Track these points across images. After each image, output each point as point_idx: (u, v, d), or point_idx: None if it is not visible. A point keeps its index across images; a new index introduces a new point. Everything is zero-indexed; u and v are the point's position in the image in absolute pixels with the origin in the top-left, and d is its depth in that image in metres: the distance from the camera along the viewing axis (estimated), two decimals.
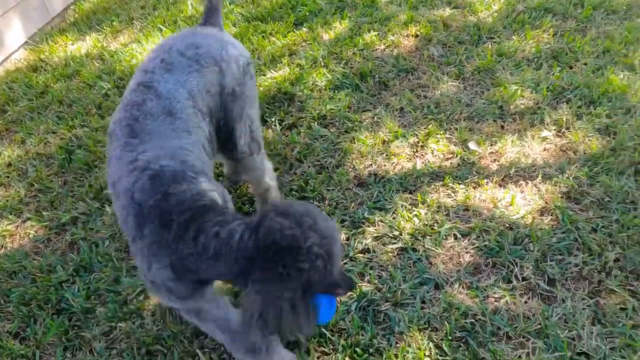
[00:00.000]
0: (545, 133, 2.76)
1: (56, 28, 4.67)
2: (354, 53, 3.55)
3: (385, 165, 2.71)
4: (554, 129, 2.78)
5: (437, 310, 2.05)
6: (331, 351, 1.98)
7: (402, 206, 2.47)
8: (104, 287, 2.31)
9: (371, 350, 1.95)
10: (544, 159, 2.63)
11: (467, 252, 2.25)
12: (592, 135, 2.70)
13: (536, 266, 2.16)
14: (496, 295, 2.08)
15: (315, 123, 3.02)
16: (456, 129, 2.85)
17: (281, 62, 3.57)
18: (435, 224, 2.38)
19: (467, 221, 2.38)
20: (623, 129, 2.67)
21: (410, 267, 2.23)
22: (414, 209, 2.46)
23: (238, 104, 2.03)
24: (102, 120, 3.30)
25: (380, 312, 2.07)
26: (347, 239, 2.36)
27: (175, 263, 1.50)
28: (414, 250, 2.28)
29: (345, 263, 2.26)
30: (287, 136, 2.96)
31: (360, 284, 2.16)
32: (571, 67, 3.18)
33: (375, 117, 3.01)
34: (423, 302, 2.09)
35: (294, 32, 3.88)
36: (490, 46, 3.44)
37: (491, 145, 2.75)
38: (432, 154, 2.75)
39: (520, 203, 2.42)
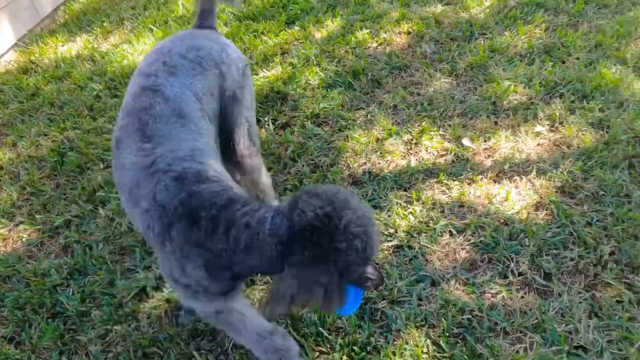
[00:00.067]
0: (538, 128, 2.76)
1: (46, 29, 4.64)
2: (346, 51, 3.54)
3: (379, 163, 2.71)
4: (548, 124, 2.78)
5: (434, 307, 2.04)
6: (329, 350, 1.97)
7: (397, 204, 2.46)
8: (98, 290, 2.29)
9: (369, 348, 1.95)
10: (538, 154, 2.63)
11: (462, 249, 2.25)
12: (585, 130, 2.70)
13: (532, 261, 2.16)
14: (493, 291, 2.08)
15: (309, 122, 3.01)
16: (450, 126, 2.85)
17: (273, 61, 3.56)
18: (431, 221, 2.37)
19: (463, 217, 2.38)
20: (616, 122, 2.67)
21: (406, 264, 2.22)
22: (408, 206, 2.45)
23: (237, 107, 2.02)
24: (94, 122, 3.28)
25: (377, 310, 2.07)
26: None
27: (210, 261, 1.47)
28: (410, 247, 2.28)
29: None
30: (280, 135, 2.95)
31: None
32: (564, 62, 3.19)
33: (369, 115, 3.01)
34: (420, 299, 2.09)
35: (285, 31, 3.86)
36: (482, 42, 3.44)
37: (485, 141, 2.75)
38: (426, 151, 2.75)
39: (515, 198, 2.43)
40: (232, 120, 2.01)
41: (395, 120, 2.96)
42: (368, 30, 3.70)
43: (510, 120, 2.84)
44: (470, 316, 2.00)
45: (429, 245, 2.27)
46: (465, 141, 2.75)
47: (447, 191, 2.51)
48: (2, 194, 2.90)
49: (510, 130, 2.77)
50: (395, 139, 2.82)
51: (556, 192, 2.42)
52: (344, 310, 1.55)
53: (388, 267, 2.20)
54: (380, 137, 2.85)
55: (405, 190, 2.55)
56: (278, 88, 3.27)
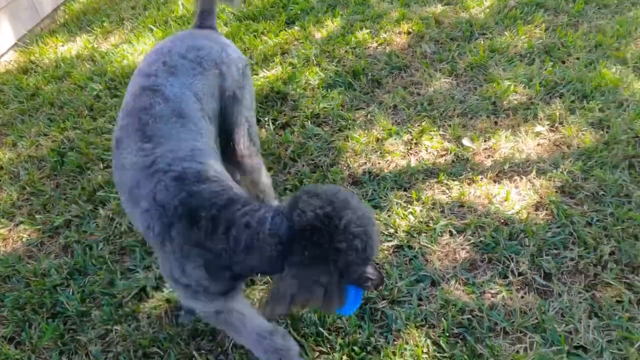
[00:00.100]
0: (538, 128, 2.76)
1: (46, 29, 4.64)
2: (346, 51, 3.54)
3: (379, 163, 2.71)
4: (548, 124, 2.78)
5: (434, 307, 2.04)
6: (329, 350, 1.97)
7: (397, 204, 2.46)
8: (98, 290, 2.29)
9: (369, 348, 1.95)
10: (538, 154, 2.63)
11: (462, 249, 2.25)
12: (585, 130, 2.70)
13: (532, 261, 2.16)
14: (493, 291, 2.08)
15: (309, 122, 3.01)
16: (450, 126, 2.85)
17: (273, 61, 3.56)
18: (431, 221, 2.37)
19: (462, 217, 2.38)
20: (616, 122, 2.67)
21: (406, 264, 2.22)
22: (408, 206, 2.45)
23: (238, 108, 2.02)
24: (94, 122, 3.28)
25: (377, 310, 2.07)
26: None
27: (210, 261, 1.47)
28: (410, 247, 2.28)
29: None
30: (280, 135, 2.95)
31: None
32: (564, 62, 3.19)
33: (369, 115, 3.01)
34: (420, 299, 2.09)
35: (285, 31, 3.86)
36: (482, 42, 3.44)
37: (485, 141, 2.75)
38: (426, 151, 2.75)
39: (515, 198, 2.43)
40: (232, 120, 2.00)
41: (395, 120, 2.96)
42: (368, 30, 3.70)
43: (510, 120, 2.84)
44: (470, 316, 2.00)
45: (429, 245, 2.27)
46: (465, 141, 2.75)
47: (447, 191, 2.51)
48: (2, 194, 2.90)
49: (510, 130, 2.77)
50: (395, 139, 2.82)
51: (556, 192, 2.42)
52: (344, 310, 1.55)
53: (388, 267, 2.20)
54: (380, 137, 2.85)
55: (405, 190, 2.55)
56: (278, 88, 3.27)
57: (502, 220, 2.34)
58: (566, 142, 2.67)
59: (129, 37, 4.15)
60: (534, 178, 2.50)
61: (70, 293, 2.30)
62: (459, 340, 1.94)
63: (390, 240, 2.31)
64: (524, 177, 2.51)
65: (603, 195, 2.37)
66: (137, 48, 3.96)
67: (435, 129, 2.84)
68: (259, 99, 3.21)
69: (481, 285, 2.10)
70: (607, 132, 2.67)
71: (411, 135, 2.83)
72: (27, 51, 4.26)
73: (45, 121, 3.38)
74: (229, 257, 1.45)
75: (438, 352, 1.91)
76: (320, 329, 2.01)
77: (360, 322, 2.02)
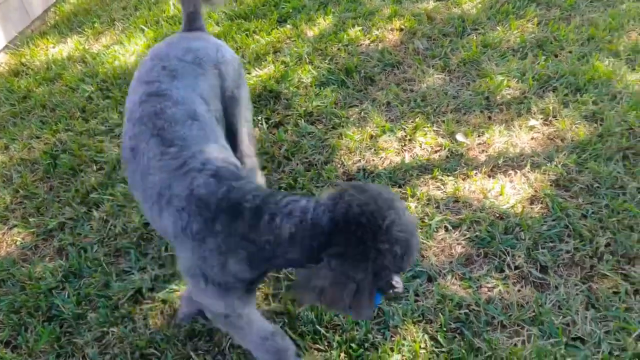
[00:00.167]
0: (532, 122, 2.76)
1: (37, 31, 4.61)
2: (338, 49, 3.53)
3: (373, 160, 2.71)
4: (541, 118, 2.78)
5: (430, 302, 2.04)
6: (326, 348, 1.96)
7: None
8: (94, 292, 2.28)
9: (366, 345, 1.94)
10: (532, 148, 2.63)
11: (458, 244, 2.25)
12: (579, 123, 2.71)
13: (528, 254, 2.16)
14: (489, 285, 2.08)
15: (302, 120, 3.00)
16: (443, 122, 2.84)
17: (266, 60, 3.55)
18: (426, 217, 2.37)
19: (458, 213, 2.38)
20: (610, 115, 2.68)
21: None
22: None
23: (238, 107, 2.03)
24: (86, 123, 3.26)
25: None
26: None
27: (253, 254, 1.45)
28: None
29: None
30: (274, 134, 2.94)
31: None
32: (556, 56, 3.20)
33: (362, 113, 3.00)
34: (417, 294, 2.08)
35: (277, 29, 3.85)
36: (475, 37, 3.44)
37: (479, 136, 2.75)
38: (420, 147, 2.75)
39: (510, 192, 2.43)
40: (233, 120, 2.01)
41: (389, 117, 2.95)
42: (360, 28, 3.69)
43: (503, 114, 2.84)
44: (467, 311, 2.00)
45: (424, 241, 2.27)
46: (459, 136, 2.75)
47: (442, 187, 2.51)
48: None
49: (504, 124, 2.77)
50: (389, 135, 2.82)
51: (551, 185, 2.43)
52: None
53: None
54: (374, 134, 2.85)
55: (399, 186, 2.54)
56: (271, 87, 3.26)
57: (498, 215, 2.34)
58: (560, 135, 2.67)
59: (120, 38, 4.12)
60: (529, 172, 2.50)
61: (66, 296, 2.28)
62: (457, 335, 1.94)
63: None
64: (518, 171, 2.51)
65: (598, 187, 2.37)
66: (129, 49, 3.94)
67: (428, 125, 2.84)
68: (251, 98, 3.18)
69: (478, 280, 2.11)
70: (600, 124, 2.67)
71: (405, 131, 2.83)
72: (18, 53, 4.23)
73: (37, 123, 3.35)
74: (272, 249, 1.42)
75: (436, 347, 1.91)
76: (318, 326, 2.01)
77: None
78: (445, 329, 1.95)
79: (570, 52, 3.18)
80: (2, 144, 3.25)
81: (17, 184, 2.90)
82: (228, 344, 2.01)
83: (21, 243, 2.59)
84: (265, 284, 2.18)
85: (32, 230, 2.63)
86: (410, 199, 2.46)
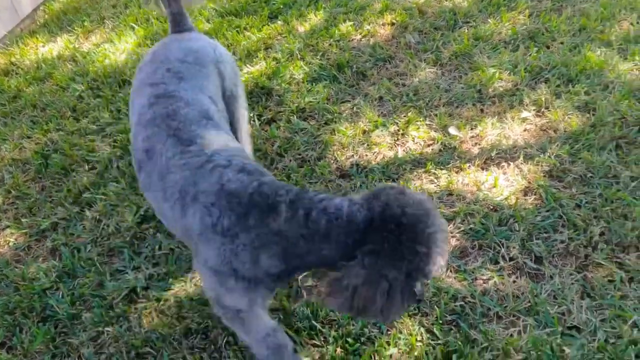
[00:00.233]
0: (525, 114, 2.76)
1: (26, 30, 4.57)
2: (330, 44, 3.52)
3: (366, 155, 2.70)
4: (534, 109, 2.78)
5: (426, 295, 2.04)
6: (322, 343, 1.96)
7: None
8: (88, 292, 2.27)
9: (362, 339, 1.94)
10: (525, 140, 2.63)
11: (453, 236, 2.25)
12: (571, 113, 2.71)
13: (522, 245, 2.16)
14: (484, 277, 2.08)
15: (295, 116, 2.99)
16: (436, 115, 2.84)
17: (257, 57, 3.53)
18: None
19: (452, 206, 2.38)
20: (602, 104, 2.68)
21: None
22: None
23: (237, 106, 2.04)
24: (77, 122, 3.24)
25: None
26: None
27: (287, 249, 1.43)
28: None
29: None
30: (266, 131, 2.93)
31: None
32: (548, 47, 3.20)
33: (355, 108, 3.00)
34: None
35: (268, 25, 3.84)
36: (466, 30, 3.43)
37: (472, 129, 2.75)
38: (413, 141, 2.74)
39: (503, 184, 2.43)
40: (234, 119, 2.02)
41: (382, 112, 2.95)
42: (351, 23, 3.68)
43: (496, 107, 2.84)
44: (463, 303, 2.00)
45: None
46: (452, 130, 2.75)
47: (435, 180, 2.51)
48: None
49: (496, 117, 2.77)
50: (382, 130, 2.81)
51: (544, 176, 2.43)
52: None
53: None
54: (366, 129, 2.84)
55: (393, 181, 2.54)
56: (262, 83, 3.25)
57: (491, 207, 2.34)
58: (553, 126, 2.67)
59: (111, 36, 4.10)
60: (522, 163, 2.50)
61: (60, 296, 2.27)
62: (453, 327, 1.94)
63: None
64: (511, 163, 2.51)
65: (591, 177, 2.38)
66: (119, 47, 3.91)
67: (421, 119, 2.84)
68: None
69: (473, 272, 2.11)
70: (593, 114, 2.68)
71: (398, 126, 2.82)
72: (8, 53, 4.20)
73: (28, 123, 3.33)
74: (306, 244, 1.42)
75: (432, 340, 1.91)
76: (314, 322, 2.00)
77: None
78: (441, 322, 1.95)
79: (562, 43, 3.18)
80: None
81: (8, 185, 2.88)
82: (224, 342, 2.00)
83: (14, 244, 2.57)
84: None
85: (24, 230, 2.61)
86: None
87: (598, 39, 3.15)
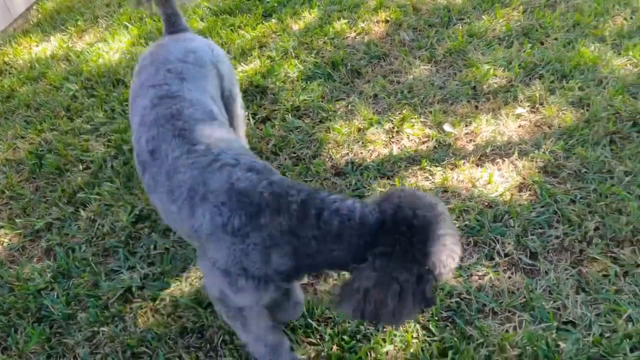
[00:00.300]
0: (519, 110, 2.77)
1: (19, 29, 4.55)
2: (324, 42, 3.52)
3: (361, 152, 2.70)
4: (528, 106, 2.79)
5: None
6: (318, 341, 1.96)
7: (380, 192, 2.45)
8: (83, 292, 2.26)
9: (358, 336, 1.94)
10: (520, 136, 2.64)
11: None
12: (566, 109, 2.71)
13: (517, 241, 2.17)
14: (480, 273, 2.09)
15: (289, 115, 2.99)
16: (431, 112, 2.84)
17: (251, 55, 3.52)
18: None
19: (447, 202, 2.38)
20: (596, 100, 2.69)
21: None
22: None
23: (234, 106, 2.03)
24: (71, 122, 3.22)
25: None
26: None
27: (298, 249, 1.42)
28: None
29: None
30: (261, 129, 2.93)
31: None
32: (542, 43, 3.20)
33: (349, 106, 2.99)
34: None
35: (263, 24, 3.83)
36: (460, 27, 3.44)
37: (466, 125, 2.75)
38: (408, 138, 2.74)
39: (498, 181, 2.43)
40: (232, 119, 2.03)
41: (376, 110, 2.95)
42: (346, 20, 3.68)
43: (490, 103, 2.84)
44: (458, 299, 2.00)
45: None
46: (447, 127, 2.75)
47: (430, 177, 2.51)
48: None
49: (491, 113, 2.78)
50: (377, 128, 2.81)
51: (539, 172, 2.43)
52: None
53: None
54: (361, 127, 2.84)
55: (388, 178, 2.54)
56: (257, 82, 3.25)
57: (486, 203, 2.34)
58: (547, 122, 2.67)
59: (104, 36, 4.08)
60: (516, 159, 2.50)
61: (55, 296, 2.26)
62: (449, 324, 1.94)
63: None
64: (506, 159, 2.52)
65: (585, 172, 2.38)
66: (113, 46, 3.90)
67: (416, 116, 2.84)
68: None
69: (468, 268, 2.11)
70: (587, 110, 2.68)
71: (392, 123, 2.82)
72: (1, 52, 4.18)
73: (21, 123, 3.31)
74: (317, 244, 1.41)
75: (428, 337, 1.91)
76: (310, 320, 2.00)
77: None
78: (437, 318, 1.95)
79: (555, 39, 3.19)
80: None
81: (2, 185, 2.86)
82: (220, 340, 2.00)
83: (8, 244, 2.56)
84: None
85: (19, 231, 2.60)
86: None
87: (592, 34, 3.16)
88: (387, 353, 1.89)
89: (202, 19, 4.03)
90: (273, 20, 3.86)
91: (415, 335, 1.91)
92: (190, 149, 1.58)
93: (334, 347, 1.92)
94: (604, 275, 2.01)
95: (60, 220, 2.61)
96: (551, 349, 1.81)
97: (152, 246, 2.38)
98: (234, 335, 1.98)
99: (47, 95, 3.54)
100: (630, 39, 3.07)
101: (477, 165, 2.52)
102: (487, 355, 1.83)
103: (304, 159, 2.71)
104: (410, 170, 2.55)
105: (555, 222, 2.21)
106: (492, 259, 2.13)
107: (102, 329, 2.11)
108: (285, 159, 2.72)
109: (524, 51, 3.12)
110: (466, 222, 2.26)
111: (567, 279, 2.01)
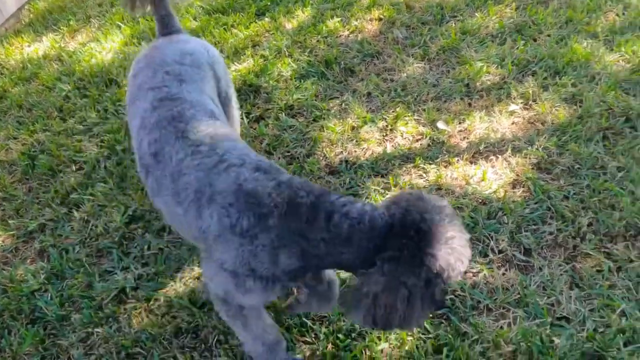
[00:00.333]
0: (512, 107, 2.77)
1: (11, 29, 4.52)
2: (318, 41, 3.51)
3: (355, 151, 2.70)
4: (521, 102, 2.79)
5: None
6: (313, 340, 1.96)
7: (375, 191, 2.45)
8: (77, 293, 2.25)
9: (353, 335, 1.94)
10: (513, 133, 2.64)
11: None
12: (559, 105, 2.72)
13: (511, 238, 2.17)
14: (474, 270, 2.09)
15: (283, 114, 2.98)
16: (424, 110, 2.84)
17: (245, 54, 3.52)
18: None
19: None
20: (589, 96, 2.70)
21: None
22: (387, 192, 2.44)
23: (230, 107, 2.03)
24: (64, 123, 3.21)
25: None
26: None
27: (306, 250, 1.41)
28: None
29: None
30: (255, 129, 2.92)
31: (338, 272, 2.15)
32: (535, 40, 3.20)
33: (343, 104, 2.99)
34: None
35: (256, 22, 3.82)
36: (454, 25, 3.44)
37: (460, 123, 2.75)
38: (402, 136, 2.74)
39: (492, 178, 2.43)
40: (228, 120, 2.02)
41: (370, 108, 2.95)
42: (339, 19, 3.68)
43: (484, 101, 2.84)
44: (453, 296, 2.00)
45: None
46: (440, 124, 2.75)
47: (424, 175, 2.51)
48: None
49: (484, 110, 2.78)
50: (371, 126, 2.81)
51: (532, 168, 2.44)
52: None
53: None
54: (355, 126, 2.84)
55: (382, 176, 2.54)
56: (250, 81, 3.24)
57: (480, 200, 2.34)
58: (540, 119, 2.68)
59: (97, 35, 4.06)
60: (510, 156, 2.51)
61: (49, 298, 2.25)
62: (443, 321, 1.95)
63: None
64: (499, 156, 2.52)
65: (579, 168, 2.39)
66: (105, 46, 3.89)
67: (409, 114, 2.84)
68: None
69: None
70: (580, 106, 2.69)
71: (386, 121, 2.82)
72: None
73: (14, 124, 3.30)
74: (326, 247, 1.40)
75: (423, 334, 1.91)
76: (304, 319, 2.00)
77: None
78: (431, 316, 1.95)
79: (548, 35, 3.19)
80: None
81: None
82: (214, 340, 2.00)
83: (1, 246, 2.55)
84: None
85: (11, 232, 2.59)
86: (393, 188, 2.45)
87: (584, 30, 3.17)
88: (382, 351, 1.89)
89: (195, 18, 4.01)
90: (266, 19, 3.85)
91: (409, 332, 1.91)
92: (194, 150, 1.57)
93: (329, 345, 1.92)
94: (598, 271, 2.01)
95: (53, 221, 2.60)
96: (545, 345, 1.81)
97: (146, 247, 2.37)
98: (229, 335, 1.98)
99: (39, 95, 3.52)
100: (622, 35, 3.08)
101: (471, 163, 2.53)
102: (482, 351, 1.83)
103: (297, 158, 2.71)
104: (404, 168, 2.55)
105: (548, 219, 2.22)
106: (486, 255, 2.13)
107: (96, 330, 2.11)
108: (279, 158, 2.71)
109: (517, 48, 3.13)
110: (460, 220, 2.26)
111: (561, 274, 2.01)
